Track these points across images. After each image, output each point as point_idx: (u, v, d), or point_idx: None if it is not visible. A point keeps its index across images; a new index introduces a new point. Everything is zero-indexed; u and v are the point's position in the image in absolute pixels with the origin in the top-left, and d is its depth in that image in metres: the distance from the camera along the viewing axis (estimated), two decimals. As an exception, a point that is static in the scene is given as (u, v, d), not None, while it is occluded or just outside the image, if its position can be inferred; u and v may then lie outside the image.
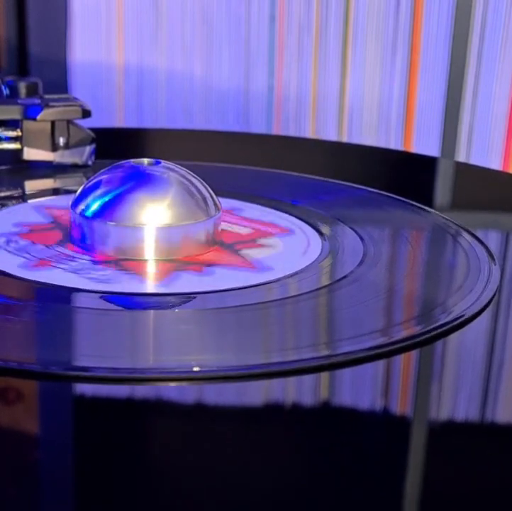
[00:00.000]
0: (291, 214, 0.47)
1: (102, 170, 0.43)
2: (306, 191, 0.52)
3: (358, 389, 0.32)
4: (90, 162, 0.54)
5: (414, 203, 0.50)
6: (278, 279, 0.39)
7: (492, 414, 0.31)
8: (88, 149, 0.54)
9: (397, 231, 0.47)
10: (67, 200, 0.44)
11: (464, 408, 0.31)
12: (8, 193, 0.50)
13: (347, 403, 0.31)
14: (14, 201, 0.49)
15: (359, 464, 0.28)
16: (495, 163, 0.77)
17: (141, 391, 0.31)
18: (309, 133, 0.81)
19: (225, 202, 0.46)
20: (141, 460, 0.28)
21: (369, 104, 0.79)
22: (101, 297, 0.37)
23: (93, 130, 0.55)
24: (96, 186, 0.42)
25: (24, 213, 0.46)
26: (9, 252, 0.41)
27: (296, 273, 0.40)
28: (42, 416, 0.30)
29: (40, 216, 0.46)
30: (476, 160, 0.77)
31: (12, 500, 0.25)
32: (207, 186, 0.43)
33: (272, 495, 0.26)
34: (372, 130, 0.79)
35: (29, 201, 0.49)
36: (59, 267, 0.39)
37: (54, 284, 0.37)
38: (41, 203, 0.48)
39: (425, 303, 0.38)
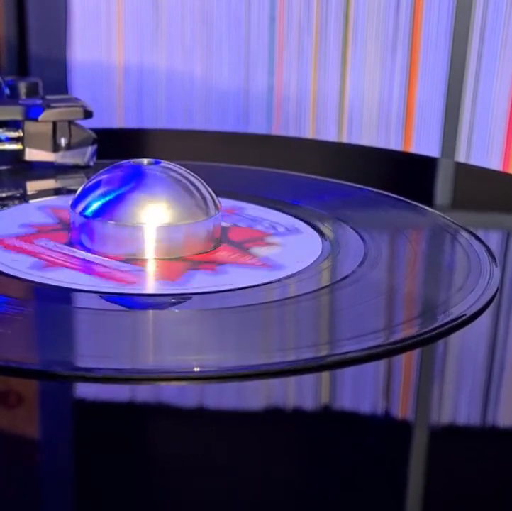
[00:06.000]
0: (291, 214, 0.47)
1: (102, 170, 0.43)
2: (306, 191, 0.52)
3: (358, 390, 0.32)
4: (91, 163, 0.54)
5: (414, 203, 0.50)
6: (279, 280, 0.39)
7: (493, 413, 0.31)
8: (90, 150, 0.54)
9: (398, 231, 0.47)
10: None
11: (465, 408, 0.31)
12: (9, 193, 0.50)
13: (348, 403, 0.32)
14: (16, 202, 0.49)
15: (360, 464, 0.28)
16: (495, 163, 0.77)
17: (142, 391, 0.31)
18: (309, 133, 0.81)
19: (226, 202, 0.46)
20: (141, 460, 0.28)
21: (369, 104, 0.79)
22: (102, 297, 0.37)
23: (93, 130, 0.55)
24: (96, 186, 0.42)
25: (30, 213, 0.46)
26: (18, 252, 0.41)
27: (297, 273, 0.40)
28: (42, 416, 0.30)
29: (46, 217, 0.46)
30: (476, 160, 0.77)
31: (13, 500, 0.25)
32: (207, 186, 0.43)
33: (272, 495, 0.26)
34: (372, 130, 0.79)
35: (34, 201, 0.49)
36: (69, 267, 0.39)
37: (61, 285, 0.37)
38: (46, 203, 0.48)
39: (425, 303, 0.38)
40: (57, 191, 0.52)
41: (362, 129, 0.80)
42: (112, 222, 0.40)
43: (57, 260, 0.40)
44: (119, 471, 0.27)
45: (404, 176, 0.62)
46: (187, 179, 0.42)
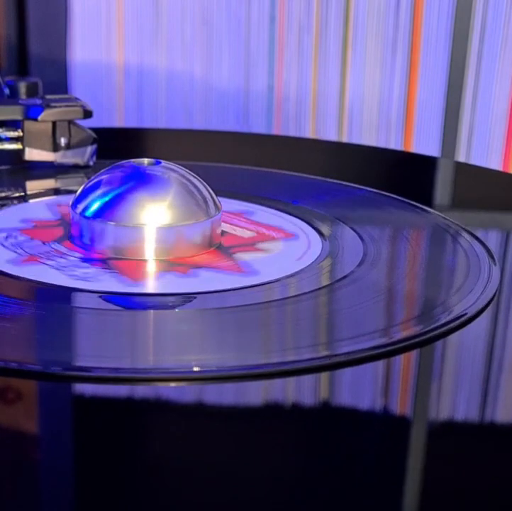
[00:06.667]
0: (291, 214, 0.47)
1: (102, 170, 0.43)
2: (306, 191, 0.52)
3: (358, 390, 0.32)
4: (91, 163, 0.54)
5: (414, 203, 0.50)
6: (279, 279, 0.39)
7: (492, 413, 0.31)
8: (90, 149, 0.54)
9: (397, 231, 0.47)
10: None
11: (464, 408, 0.31)
12: (9, 193, 0.50)
13: (347, 403, 0.32)
14: (15, 201, 0.49)
15: (359, 464, 0.28)
16: (495, 163, 0.77)
17: (141, 391, 0.31)
18: (309, 133, 0.81)
19: (226, 202, 0.46)
20: (141, 460, 0.28)
21: (369, 104, 0.79)
22: (101, 297, 0.37)
23: (93, 130, 0.55)
24: (96, 186, 0.42)
25: (35, 209, 0.47)
26: (4, 246, 0.41)
27: (296, 273, 0.40)
28: (42, 416, 0.30)
29: (49, 213, 0.46)
30: (476, 160, 0.77)
31: (12, 500, 0.25)
32: (207, 186, 0.43)
33: (272, 494, 0.26)
34: (372, 130, 0.79)
35: (43, 198, 0.49)
36: (45, 264, 0.39)
37: (38, 281, 0.38)
38: (54, 200, 0.48)
39: (425, 303, 0.38)
40: (56, 191, 0.52)
41: (362, 129, 0.80)
42: (112, 223, 0.40)
43: (35, 256, 0.40)
44: (119, 471, 0.27)
45: (404, 176, 0.62)
46: (187, 179, 0.42)
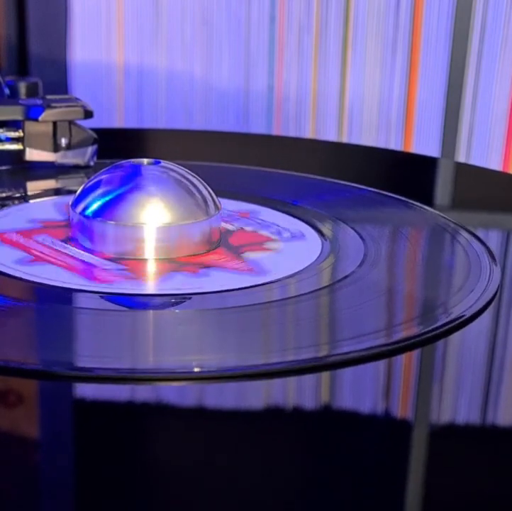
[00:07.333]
0: (291, 214, 0.47)
1: (102, 170, 0.43)
2: (306, 191, 0.52)
3: (358, 390, 0.32)
4: (92, 163, 0.54)
5: (414, 203, 0.50)
6: (279, 280, 0.39)
7: (493, 414, 0.31)
8: (91, 149, 0.54)
9: (398, 231, 0.47)
10: None
11: (465, 408, 0.31)
12: (9, 193, 0.50)
13: (348, 403, 0.32)
14: (16, 202, 0.49)
15: (360, 465, 0.28)
16: (495, 163, 0.77)
17: (142, 391, 0.31)
18: (309, 133, 0.81)
19: (225, 203, 0.46)
20: (141, 460, 0.28)
21: (369, 104, 0.79)
22: (102, 297, 0.37)
23: (93, 130, 0.55)
24: (96, 186, 0.42)
25: (44, 209, 0.46)
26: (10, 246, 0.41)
27: (297, 273, 0.40)
28: (43, 415, 0.30)
29: (57, 214, 0.46)
30: (476, 160, 0.77)
31: (12, 500, 0.25)
32: (207, 186, 0.43)
33: (272, 495, 0.26)
34: (372, 130, 0.79)
35: (53, 198, 0.49)
36: (54, 264, 0.39)
37: (45, 283, 0.38)
38: (63, 200, 0.48)
39: (425, 303, 0.38)
40: (57, 191, 0.52)
41: (362, 129, 0.80)
42: (112, 222, 0.40)
43: (44, 256, 0.40)
44: (119, 471, 0.27)
45: (404, 176, 0.62)
46: (187, 179, 0.42)
